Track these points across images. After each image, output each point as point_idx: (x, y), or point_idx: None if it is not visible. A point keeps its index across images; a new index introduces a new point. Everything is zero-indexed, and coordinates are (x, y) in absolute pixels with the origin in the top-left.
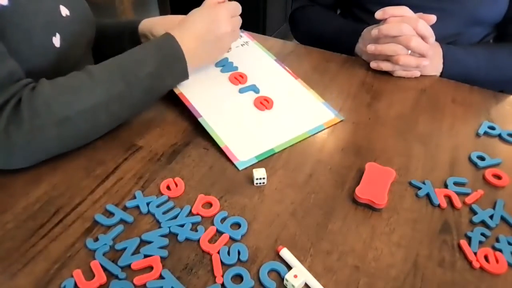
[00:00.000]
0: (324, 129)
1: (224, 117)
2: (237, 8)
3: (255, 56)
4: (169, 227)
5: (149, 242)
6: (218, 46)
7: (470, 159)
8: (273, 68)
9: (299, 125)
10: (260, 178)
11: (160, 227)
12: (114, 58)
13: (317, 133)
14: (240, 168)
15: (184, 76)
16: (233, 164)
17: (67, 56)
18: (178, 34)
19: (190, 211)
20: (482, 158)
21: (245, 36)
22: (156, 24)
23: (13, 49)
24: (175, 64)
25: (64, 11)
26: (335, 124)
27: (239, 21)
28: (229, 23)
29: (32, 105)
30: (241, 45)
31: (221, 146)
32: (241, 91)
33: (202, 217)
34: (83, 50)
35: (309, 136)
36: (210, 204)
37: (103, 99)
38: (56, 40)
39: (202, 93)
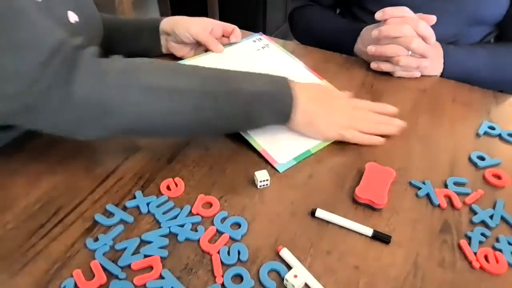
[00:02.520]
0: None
1: None
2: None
3: (278, 58)
4: (169, 227)
5: (149, 242)
6: (331, 115)
7: (470, 159)
8: (297, 69)
9: None
10: (264, 180)
11: (160, 227)
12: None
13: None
14: (281, 171)
15: (285, 116)
16: (271, 166)
17: None
18: (294, 82)
19: (190, 211)
20: (482, 158)
21: (264, 39)
22: (179, 22)
23: None
24: (282, 99)
25: (73, 17)
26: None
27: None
28: (348, 99)
29: (120, 63)
30: (262, 47)
31: (259, 149)
32: None
33: (202, 217)
34: None
35: None
36: (210, 204)
37: (195, 88)
38: None
39: None
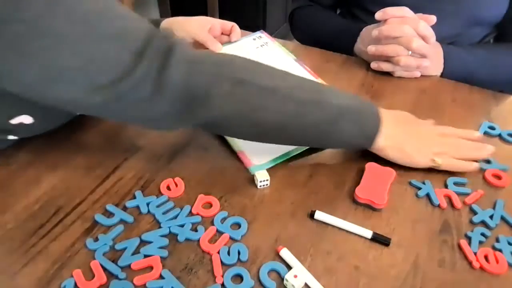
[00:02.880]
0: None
1: None
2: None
3: (276, 56)
4: (169, 227)
5: (149, 242)
6: (421, 142)
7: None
8: (294, 68)
9: None
10: (264, 180)
11: (160, 227)
12: None
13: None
14: (253, 172)
15: (368, 138)
16: (246, 168)
17: None
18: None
19: (190, 211)
20: (487, 161)
21: (265, 37)
22: (177, 22)
23: None
24: (367, 118)
25: None
26: None
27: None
28: (433, 126)
29: (214, 54)
30: (261, 45)
31: (236, 150)
32: None
33: (202, 217)
34: None
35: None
36: (210, 204)
37: (282, 90)
38: None
39: None
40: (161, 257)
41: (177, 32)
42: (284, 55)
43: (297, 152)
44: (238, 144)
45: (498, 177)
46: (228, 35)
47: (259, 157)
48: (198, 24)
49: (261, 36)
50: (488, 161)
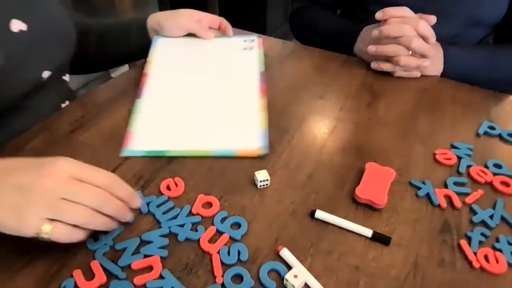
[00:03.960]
0: (234, 157)
1: (161, 104)
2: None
3: (244, 62)
4: (169, 227)
5: (149, 242)
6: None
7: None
8: (251, 79)
9: (212, 141)
10: (264, 180)
11: (160, 227)
12: None
13: (222, 157)
14: (121, 155)
15: None
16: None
17: (13, 77)
18: None
19: (190, 211)
20: (499, 166)
21: (256, 42)
22: (166, 16)
23: None
24: None
25: (18, 26)
26: (253, 157)
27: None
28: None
29: None
30: (244, 49)
31: (129, 129)
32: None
33: (202, 217)
34: (44, 71)
35: (211, 157)
36: (210, 204)
37: None
38: None
39: (169, 74)
40: (161, 257)
41: (168, 26)
42: (255, 64)
43: (173, 156)
44: (136, 123)
45: (506, 184)
46: (217, 29)
47: (139, 142)
48: (188, 16)
49: (253, 40)
50: (499, 166)
